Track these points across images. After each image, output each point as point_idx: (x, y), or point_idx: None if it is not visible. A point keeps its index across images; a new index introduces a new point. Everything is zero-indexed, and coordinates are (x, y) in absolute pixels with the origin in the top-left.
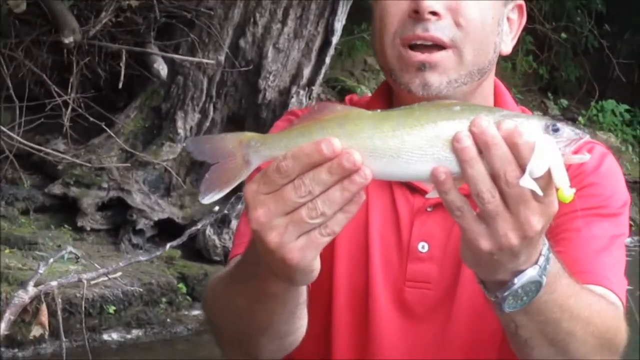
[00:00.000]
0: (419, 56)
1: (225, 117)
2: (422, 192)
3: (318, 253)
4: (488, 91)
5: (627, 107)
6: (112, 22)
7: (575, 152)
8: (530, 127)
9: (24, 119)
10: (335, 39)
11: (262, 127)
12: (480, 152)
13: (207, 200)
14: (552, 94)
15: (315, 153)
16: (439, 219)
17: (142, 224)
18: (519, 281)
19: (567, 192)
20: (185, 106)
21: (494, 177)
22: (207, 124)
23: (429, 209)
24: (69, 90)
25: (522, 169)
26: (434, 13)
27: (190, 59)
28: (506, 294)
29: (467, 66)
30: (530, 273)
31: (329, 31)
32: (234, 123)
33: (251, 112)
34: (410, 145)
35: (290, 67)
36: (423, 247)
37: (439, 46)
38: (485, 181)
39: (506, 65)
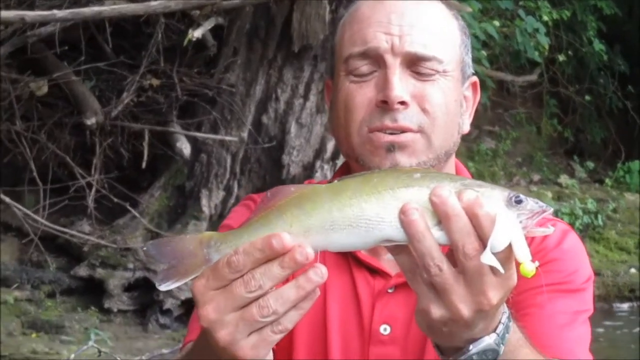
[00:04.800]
0: (387, 137)
1: (249, 193)
2: (383, 274)
3: (270, 349)
4: (450, 170)
5: None
6: (134, 102)
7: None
8: (492, 198)
9: (48, 202)
10: None
11: None
12: (440, 222)
13: (164, 287)
14: (578, 157)
15: (266, 248)
16: (401, 301)
17: (169, 303)
18: (474, 348)
19: (529, 267)
20: (209, 184)
21: (452, 248)
22: (232, 201)
23: (390, 291)
24: (93, 171)
25: (482, 241)
26: (402, 102)
27: (213, 136)
28: (461, 359)
29: (436, 150)
30: (487, 341)
31: None
32: None
33: None
34: (368, 213)
35: (313, 142)
36: (385, 329)
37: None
38: (432, 255)
39: (531, 129)
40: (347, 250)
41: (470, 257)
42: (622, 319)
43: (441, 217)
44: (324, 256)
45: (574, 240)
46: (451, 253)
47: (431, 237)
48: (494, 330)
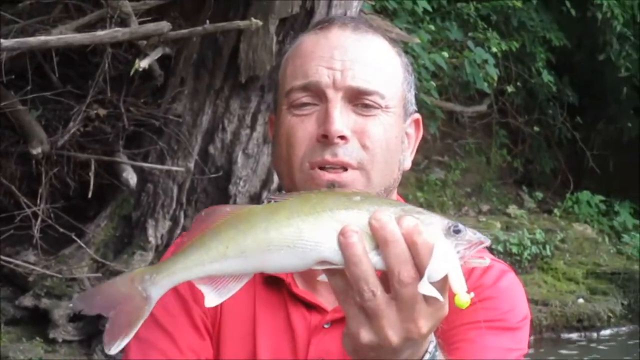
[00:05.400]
0: (327, 175)
1: None
2: (319, 309)
3: None
4: None
5: (602, 197)
6: (80, 132)
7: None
8: (431, 226)
9: None
10: None
11: None
12: (377, 246)
13: (114, 350)
14: (527, 187)
15: None
16: (336, 336)
17: None
18: None
19: (464, 298)
20: (155, 214)
21: (388, 274)
22: (178, 231)
23: (326, 326)
24: (39, 200)
25: (418, 269)
26: (342, 137)
27: (160, 166)
28: None
29: (375, 187)
30: None
31: None
32: None
33: None
34: (306, 234)
35: (260, 172)
36: None
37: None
38: (367, 279)
39: (480, 159)
40: (284, 271)
41: (405, 284)
42: (574, 347)
43: (379, 242)
44: (254, 290)
45: (511, 280)
46: (385, 278)
47: (368, 262)
48: (421, 359)
